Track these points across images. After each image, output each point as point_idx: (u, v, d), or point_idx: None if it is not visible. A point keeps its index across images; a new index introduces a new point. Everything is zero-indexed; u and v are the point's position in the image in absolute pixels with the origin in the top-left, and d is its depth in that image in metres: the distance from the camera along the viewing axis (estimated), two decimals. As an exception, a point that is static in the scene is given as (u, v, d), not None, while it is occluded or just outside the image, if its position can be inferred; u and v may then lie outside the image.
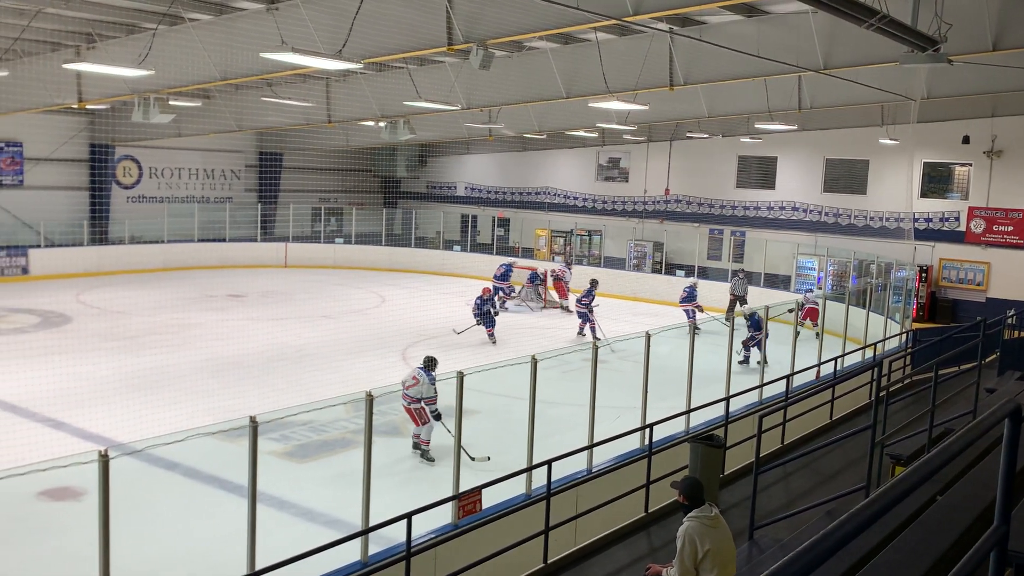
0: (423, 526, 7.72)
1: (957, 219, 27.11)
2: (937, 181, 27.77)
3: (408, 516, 7.14)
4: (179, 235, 31.43)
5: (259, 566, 6.74)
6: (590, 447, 9.83)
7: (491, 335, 20.35)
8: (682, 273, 28.88)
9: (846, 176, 29.38)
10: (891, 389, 11.76)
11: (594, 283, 21.99)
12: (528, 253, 33.35)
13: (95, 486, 6.07)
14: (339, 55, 12.52)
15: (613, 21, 12.92)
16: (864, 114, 25.18)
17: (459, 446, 8.84)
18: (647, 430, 10.17)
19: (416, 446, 12.06)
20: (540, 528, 8.43)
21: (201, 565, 8.81)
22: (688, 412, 11.60)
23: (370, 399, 7.61)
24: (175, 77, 16.60)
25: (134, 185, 31.72)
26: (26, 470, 6.20)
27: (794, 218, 30.31)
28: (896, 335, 19.04)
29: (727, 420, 11.49)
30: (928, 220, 27.47)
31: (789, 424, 12.25)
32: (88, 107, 22.33)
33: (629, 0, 11.65)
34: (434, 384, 11.69)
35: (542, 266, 27.97)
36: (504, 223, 36.29)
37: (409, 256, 33.80)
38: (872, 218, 28.67)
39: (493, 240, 34.71)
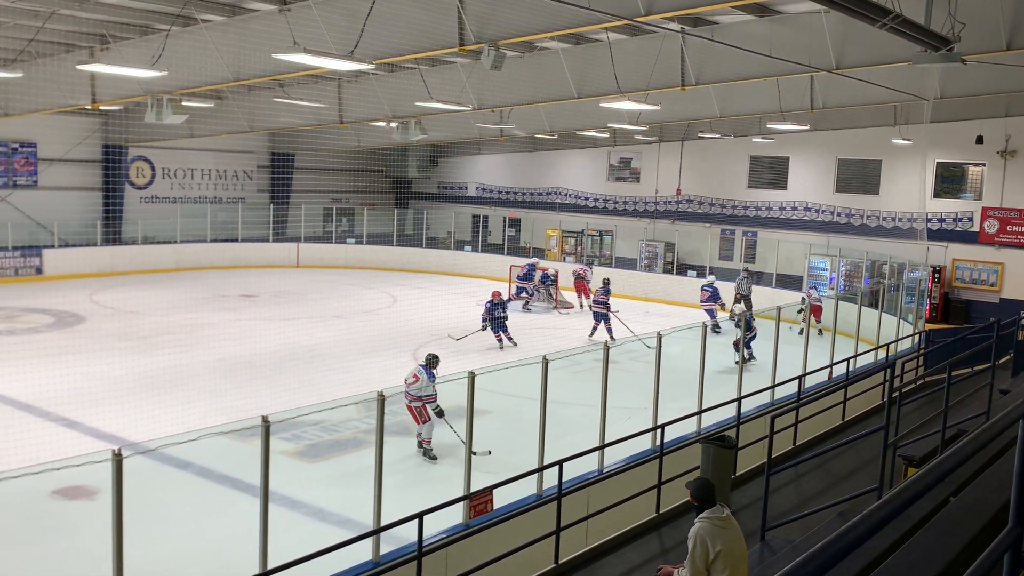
0: (434, 526, 7.73)
1: (970, 219, 26.94)
2: (950, 181, 27.60)
3: (420, 516, 7.14)
4: (192, 235, 31.62)
5: (271, 565, 6.76)
6: (601, 447, 9.81)
7: (499, 340, 19.95)
8: (693, 274, 28.85)
9: (859, 176, 29.22)
10: (904, 390, 11.73)
11: (607, 282, 21.96)
12: (539, 253, 33.24)
13: (108, 485, 6.09)
14: (351, 56, 12.53)
15: (624, 21, 12.91)
16: (877, 114, 25.06)
17: (470, 446, 8.85)
18: (659, 431, 10.15)
19: (419, 444, 12.10)
20: (551, 528, 8.42)
21: (213, 564, 8.85)
22: (700, 413, 11.57)
23: (381, 399, 7.61)
24: (188, 78, 16.71)
25: (147, 185, 31.92)
26: (40, 469, 6.26)
27: (806, 218, 30.19)
28: (909, 336, 18.95)
29: (739, 421, 11.45)
30: (941, 220, 27.31)
31: (801, 425, 12.19)
32: (101, 108, 22.45)
33: (641, 0, 11.64)
34: (433, 382, 11.71)
35: (553, 266, 27.96)
36: (515, 223, 36.29)
37: (420, 256, 33.87)
38: (885, 218, 28.51)
39: (504, 240, 34.74)
